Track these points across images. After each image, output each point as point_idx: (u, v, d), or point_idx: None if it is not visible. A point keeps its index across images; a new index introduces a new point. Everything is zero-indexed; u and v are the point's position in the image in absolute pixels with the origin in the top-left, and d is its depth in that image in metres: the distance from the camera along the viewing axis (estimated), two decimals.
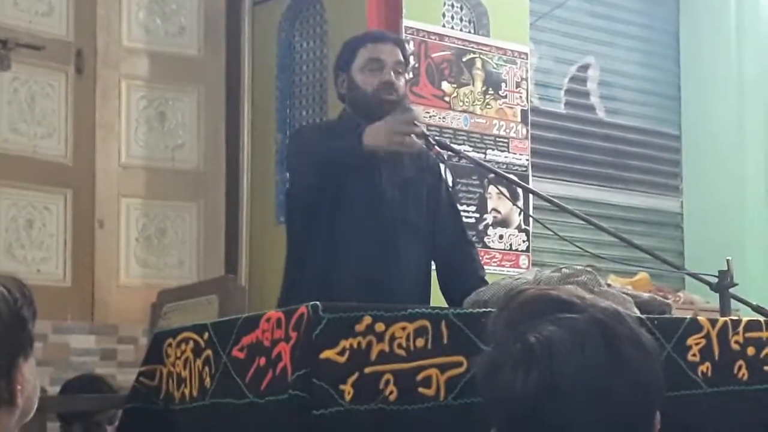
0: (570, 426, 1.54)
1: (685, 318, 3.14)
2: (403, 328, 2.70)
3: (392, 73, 3.67)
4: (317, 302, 2.63)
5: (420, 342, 2.71)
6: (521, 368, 1.56)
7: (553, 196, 6.17)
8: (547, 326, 1.58)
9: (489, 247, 5.46)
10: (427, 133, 3.62)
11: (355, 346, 2.63)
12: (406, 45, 3.94)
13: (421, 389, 2.69)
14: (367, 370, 2.63)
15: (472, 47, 5.57)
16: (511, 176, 5.07)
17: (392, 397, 2.66)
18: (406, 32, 5.32)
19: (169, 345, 3.11)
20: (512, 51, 5.68)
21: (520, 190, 5.50)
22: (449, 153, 3.74)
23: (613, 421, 1.55)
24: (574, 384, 1.54)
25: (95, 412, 4.22)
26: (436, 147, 3.61)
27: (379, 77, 3.65)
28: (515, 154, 5.65)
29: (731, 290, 3.68)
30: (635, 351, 1.59)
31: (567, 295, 1.64)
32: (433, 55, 5.42)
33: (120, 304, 5.37)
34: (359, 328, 2.65)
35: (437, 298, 3.83)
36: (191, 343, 3.02)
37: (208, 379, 2.94)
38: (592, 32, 6.70)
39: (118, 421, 3.39)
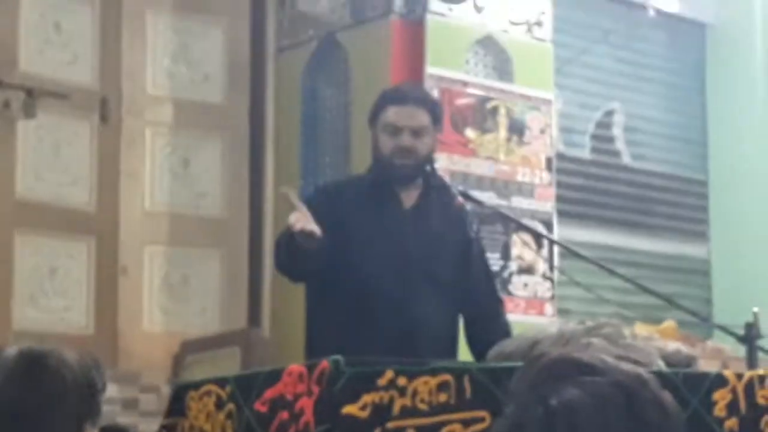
0: None
1: (711, 372, 3.11)
2: (426, 383, 2.68)
3: (410, 137, 3.65)
4: (338, 357, 2.62)
5: (443, 397, 2.70)
6: (544, 431, 1.54)
7: (578, 243, 6.18)
8: (569, 389, 1.57)
9: (513, 295, 5.43)
10: (449, 184, 3.61)
11: (377, 400, 2.62)
12: (434, 102, 3.90)
13: None
14: (389, 424, 2.62)
15: (496, 94, 5.57)
16: (536, 225, 5.06)
17: None
18: (429, 79, 5.32)
19: (191, 398, 3.09)
20: (536, 98, 5.68)
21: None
22: (471, 203, 3.73)
23: None
24: None
25: None
26: (459, 198, 3.60)
27: (394, 142, 3.65)
28: (540, 201, 5.62)
29: (759, 341, 3.66)
30: (658, 415, 1.58)
31: (589, 358, 1.63)
32: (457, 102, 5.42)
33: (143, 352, 5.36)
34: (381, 382, 2.63)
35: (462, 348, 3.82)
36: (213, 397, 3.01)
37: None
38: (618, 78, 6.68)
39: None
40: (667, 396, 1.64)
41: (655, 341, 5.31)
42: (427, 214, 3.72)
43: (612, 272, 3.86)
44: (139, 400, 5.20)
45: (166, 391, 4.97)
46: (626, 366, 1.66)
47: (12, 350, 2.06)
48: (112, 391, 5.09)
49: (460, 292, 3.76)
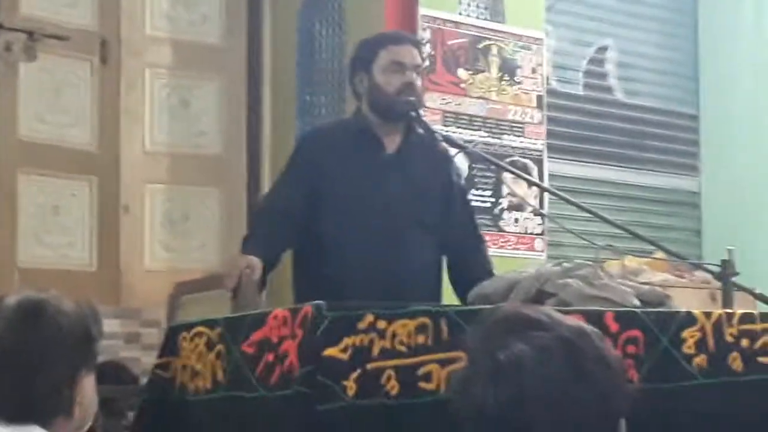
0: None
1: (680, 311, 3.23)
2: (404, 325, 2.79)
3: (413, 74, 3.77)
4: (321, 302, 2.74)
5: (421, 338, 2.81)
6: (491, 383, 1.68)
7: (571, 177, 6.30)
8: (516, 344, 1.70)
9: (504, 231, 5.55)
10: (435, 129, 3.72)
11: (358, 343, 2.73)
12: (422, 45, 4.03)
13: (422, 384, 2.79)
14: (369, 366, 2.73)
15: (488, 34, 5.64)
16: (526, 163, 5.16)
17: (394, 392, 2.75)
18: (422, 20, 5.40)
19: (184, 338, 3.22)
20: (528, 37, 5.76)
21: (536, 174, 5.61)
22: (456, 149, 3.83)
23: (578, 429, 1.67)
24: (539, 397, 1.66)
25: (117, 399, 4.36)
26: (443, 143, 3.71)
27: (401, 79, 3.75)
28: (531, 138, 5.73)
29: (743, 275, 3.78)
30: (598, 366, 1.71)
31: (536, 314, 1.75)
32: (449, 43, 5.50)
33: (145, 288, 5.49)
34: (361, 325, 2.74)
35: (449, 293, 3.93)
36: (204, 337, 3.13)
37: (220, 373, 3.05)
38: (611, 14, 6.73)
39: (136, 411, 3.51)
40: (608, 348, 1.77)
41: (640, 275, 5.44)
42: (410, 158, 3.81)
43: (595, 215, 3.96)
44: (140, 335, 5.35)
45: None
46: (571, 321, 1.79)
47: (11, 298, 2.15)
48: (114, 326, 5.26)
49: (444, 234, 3.85)
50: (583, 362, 1.70)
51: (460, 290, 3.80)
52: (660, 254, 5.60)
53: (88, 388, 2.13)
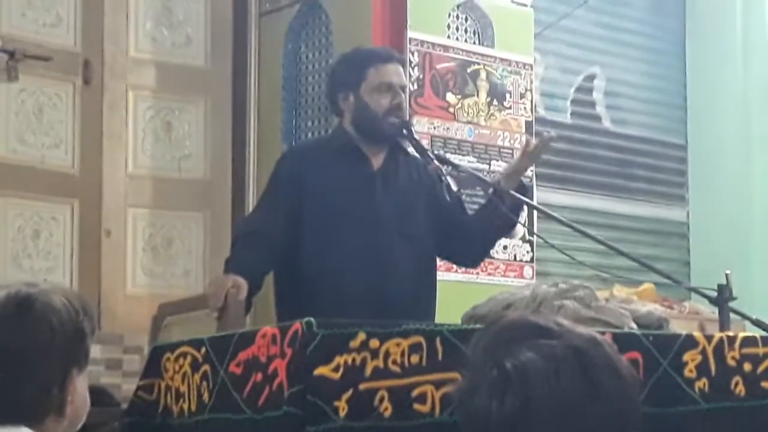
0: None
1: (681, 334, 3.16)
2: (398, 345, 2.72)
3: (401, 95, 3.73)
4: (311, 318, 2.65)
5: (415, 358, 2.73)
6: (497, 394, 1.56)
7: (558, 206, 6.24)
8: (524, 352, 1.58)
9: (493, 258, 5.47)
10: (426, 147, 3.65)
11: (350, 362, 2.65)
12: (405, 62, 3.98)
13: (416, 406, 2.71)
14: (361, 386, 2.66)
15: (477, 58, 5.58)
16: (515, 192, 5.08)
17: (387, 414, 2.68)
18: (410, 44, 5.34)
19: (168, 359, 3.14)
20: (516, 62, 5.70)
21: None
22: (447, 167, 3.76)
23: None
24: (548, 410, 1.54)
25: (98, 425, 4.25)
26: (435, 161, 3.64)
27: (390, 99, 3.70)
28: None
29: (732, 304, 3.70)
30: (611, 378, 1.59)
31: (545, 321, 1.65)
32: (438, 67, 5.44)
33: (126, 314, 5.39)
34: (353, 344, 2.67)
35: (443, 310, 3.84)
36: (189, 358, 3.05)
37: (206, 394, 2.97)
38: (599, 42, 6.72)
39: None
40: (621, 359, 1.66)
41: (632, 303, 5.37)
42: (396, 173, 3.77)
43: (587, 234, 3.89)
44: (122, 361, 5.24)
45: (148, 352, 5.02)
46: (582, 329, 1.68)
47: (0, 294, 2.07)
48: (95, 351, 5.08)
49: (435, 239, 3.81)
50: (596, 374, 1.59)
51: (462, 262, 4.00)
52: (648, 285, 5.54)
53: (80, 387, 2.05)
